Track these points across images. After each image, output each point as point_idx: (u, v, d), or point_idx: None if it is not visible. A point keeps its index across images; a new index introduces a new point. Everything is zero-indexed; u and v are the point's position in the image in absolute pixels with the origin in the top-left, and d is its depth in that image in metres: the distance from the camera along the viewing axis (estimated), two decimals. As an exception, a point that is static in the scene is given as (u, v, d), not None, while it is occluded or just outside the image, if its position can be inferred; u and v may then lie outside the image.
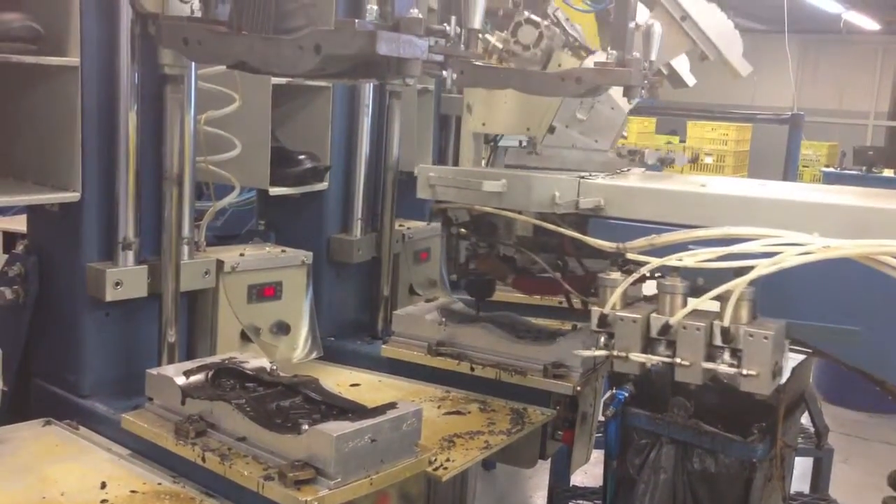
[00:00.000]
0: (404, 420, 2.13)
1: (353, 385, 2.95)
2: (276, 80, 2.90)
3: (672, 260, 2.23)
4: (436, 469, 2.33)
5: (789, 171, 8.25)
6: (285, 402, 2.28)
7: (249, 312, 2.83)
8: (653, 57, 2.82)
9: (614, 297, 2.32)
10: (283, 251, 2.98)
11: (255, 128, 2.91)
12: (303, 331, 2.98)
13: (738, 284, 2.14)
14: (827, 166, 11.92)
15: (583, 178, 2.70)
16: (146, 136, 2.52)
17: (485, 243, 2.99)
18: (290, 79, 2.91)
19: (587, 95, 2.98)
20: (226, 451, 2.12)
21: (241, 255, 2.84)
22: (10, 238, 4.13)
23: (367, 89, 3.27)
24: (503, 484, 5.21)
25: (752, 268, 2.11)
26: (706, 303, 2.20)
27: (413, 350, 3.06)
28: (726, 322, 2.18)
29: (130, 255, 2.52)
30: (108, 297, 2.46)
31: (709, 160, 13.28)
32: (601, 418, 3.12)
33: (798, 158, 9.08)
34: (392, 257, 3.44)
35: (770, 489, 2.79)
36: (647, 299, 2.42)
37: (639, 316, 2.29)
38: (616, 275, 2.37)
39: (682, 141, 14.01)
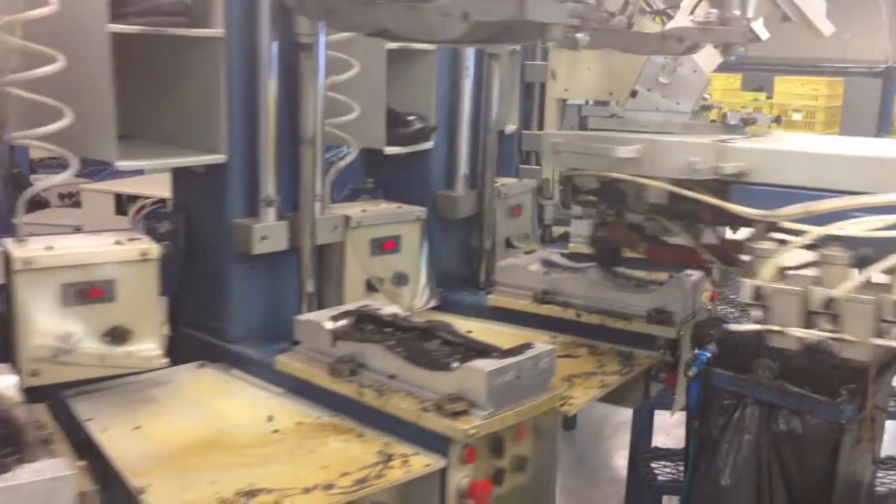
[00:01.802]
0: (541, 359, 2.32)
1: (467, 332, 3.13)
2: (389, 45, 3.06)
3: (833, 228, 2.11)
4: (562, 405, 2.52)
5: (883, 128, 7.93)
6: (425, 344, 2.48)
7: (372, 264, 3.04)
8: (750, 14, 2.92)
9: (770, 268, 2.18)
10: (398, 207, 3.17)
11: (371, 92, 3.07)
12: (421, 281, 3.18)
13: None
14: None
15: (723, 142, 2.60)
16: (282, 101, 2.70)
17: (613, 211, 2.94)
18: (415, 44, 3.03)
19: (687, 53, 3.09)
20: (379, 387, 2.33)
21: (363, 211, 3.04)
22: (121, 200, 4.37)
23: (469, 52, 3.41)
24: (583, 444, 5.24)
25: None
26: (872, 275, 2.06)
27: (518, 299, 3.25)
28: None
29: (272, 211, 2.73)
30: (256, 251, 2.68)
31: (797, 117, 11.88)
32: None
33: (892, 114, 8.66)
34: (492, 212, 3.61)
35: (860, 451, 2.70)
36: (796, 270, 2.24)
37: (799, 289, 2.14)
38: (769, 244, 2.23)
39: (770, 97, 12.58)
